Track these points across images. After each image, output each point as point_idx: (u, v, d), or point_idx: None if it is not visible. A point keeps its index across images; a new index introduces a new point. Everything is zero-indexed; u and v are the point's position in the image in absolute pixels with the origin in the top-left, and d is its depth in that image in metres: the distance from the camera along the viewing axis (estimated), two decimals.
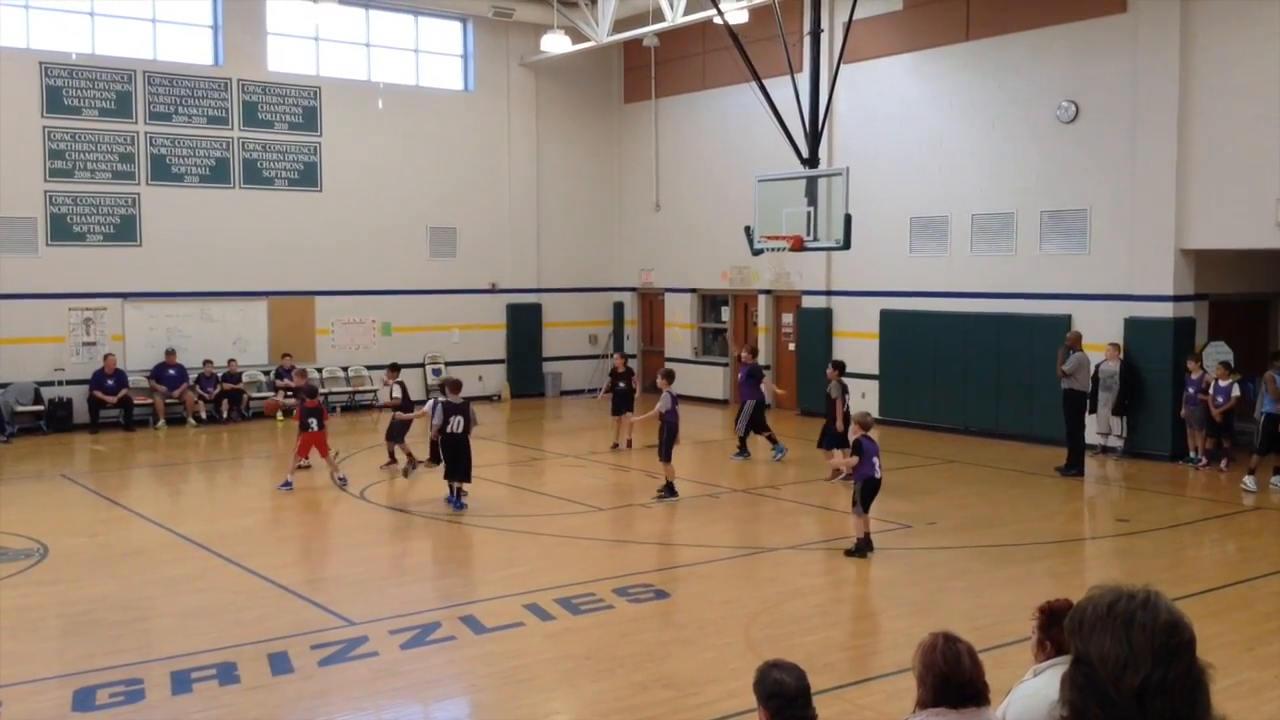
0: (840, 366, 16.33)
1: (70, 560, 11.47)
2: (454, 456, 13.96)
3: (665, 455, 14.48)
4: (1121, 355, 17.03)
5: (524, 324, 25.89)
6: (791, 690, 4.04)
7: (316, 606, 9.75)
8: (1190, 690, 2.10)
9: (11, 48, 20.30)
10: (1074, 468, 16.05)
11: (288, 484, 15.15)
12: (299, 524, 14.07)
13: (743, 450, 17.29)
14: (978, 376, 19.30)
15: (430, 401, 15.08)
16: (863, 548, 11.47)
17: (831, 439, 15.64)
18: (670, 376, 14.90)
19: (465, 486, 14.05)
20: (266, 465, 18.40)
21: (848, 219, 14.88)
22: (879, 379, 21.13)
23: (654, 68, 25.61)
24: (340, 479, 15.44)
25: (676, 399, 14.73)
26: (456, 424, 13.88)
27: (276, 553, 11.99)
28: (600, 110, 27.05)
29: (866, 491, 11.46)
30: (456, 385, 14.45)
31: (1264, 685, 7.92)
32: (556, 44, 23.35)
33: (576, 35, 23.62)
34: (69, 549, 11.89)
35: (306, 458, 15.55)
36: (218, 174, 22.24)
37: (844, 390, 15.86)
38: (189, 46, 22.11)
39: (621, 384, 18.58)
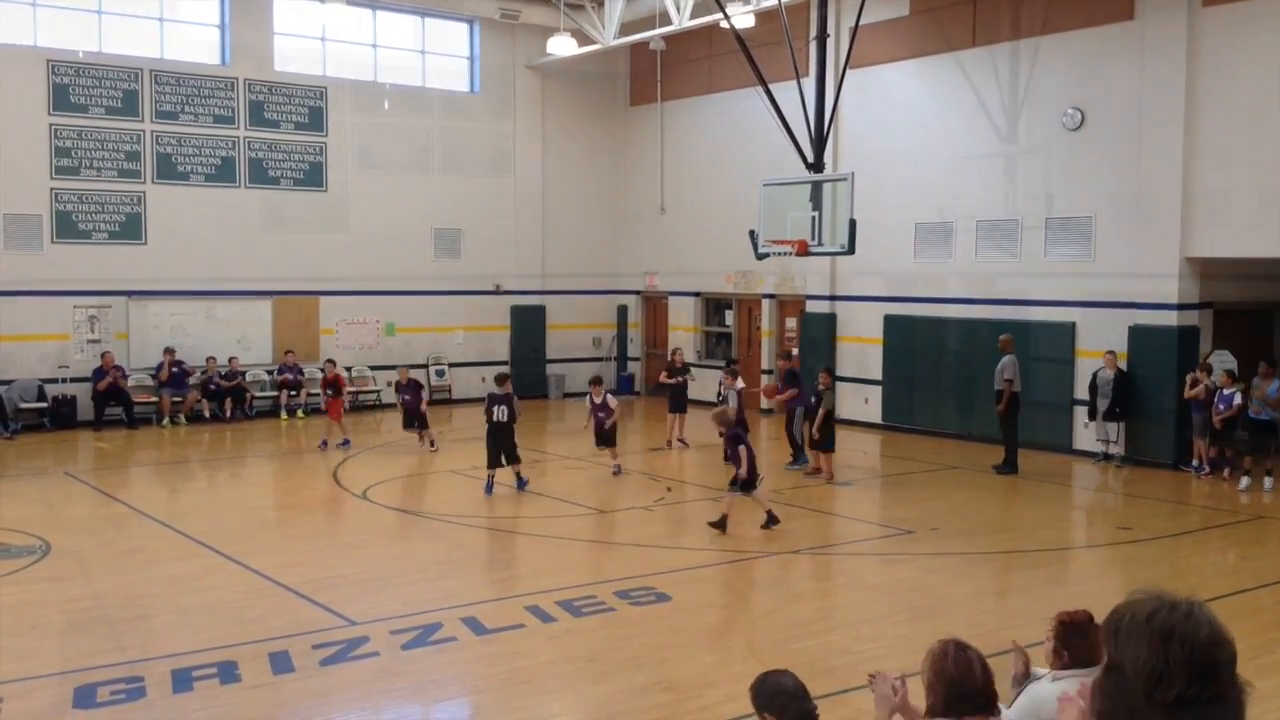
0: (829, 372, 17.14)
1: (72, 557, 11.47)
2: (496, 442, 14.92)
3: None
4: (1119, 363, 17.00)
5: (528, 326, 25.90)
6: (791, 686, 4.07)
7: (318, 606, 9.74)
8: (1224, 710, 2.02)
9: (19, 45, 20.35)
10: (1010, 465, 16.61)
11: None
12: (301, 523, 14.08)
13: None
14: (982, 383, 19.26)
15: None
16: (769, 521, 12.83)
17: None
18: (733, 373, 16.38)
19: (519, 469, 15.09)
20: (269, 464, 18.43)
21: (852, 224, 14.91)
22: (882, 384, 21.11)
23: (660, 71, 25.61)
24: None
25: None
26: (500, 413, 14.90)
27: (278, 552, 11.99)
28: (606, 113, 27.05)
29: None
30: (502, 378, 15.70)
31: (1268, 694, 7.89)
32: (562, 46, 23.35)
33: (583, 38, 23.63)
34: (71, 546, 11.90)
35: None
36: (223, 173, 22.27)
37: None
38: (196, 46, 22.14)
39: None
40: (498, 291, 25.58)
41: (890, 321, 20.93)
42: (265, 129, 22.60)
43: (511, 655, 8.57)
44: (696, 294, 25.58)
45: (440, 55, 24.95)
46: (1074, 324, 18.05)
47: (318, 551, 12.24)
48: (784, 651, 8.35)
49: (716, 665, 8.36)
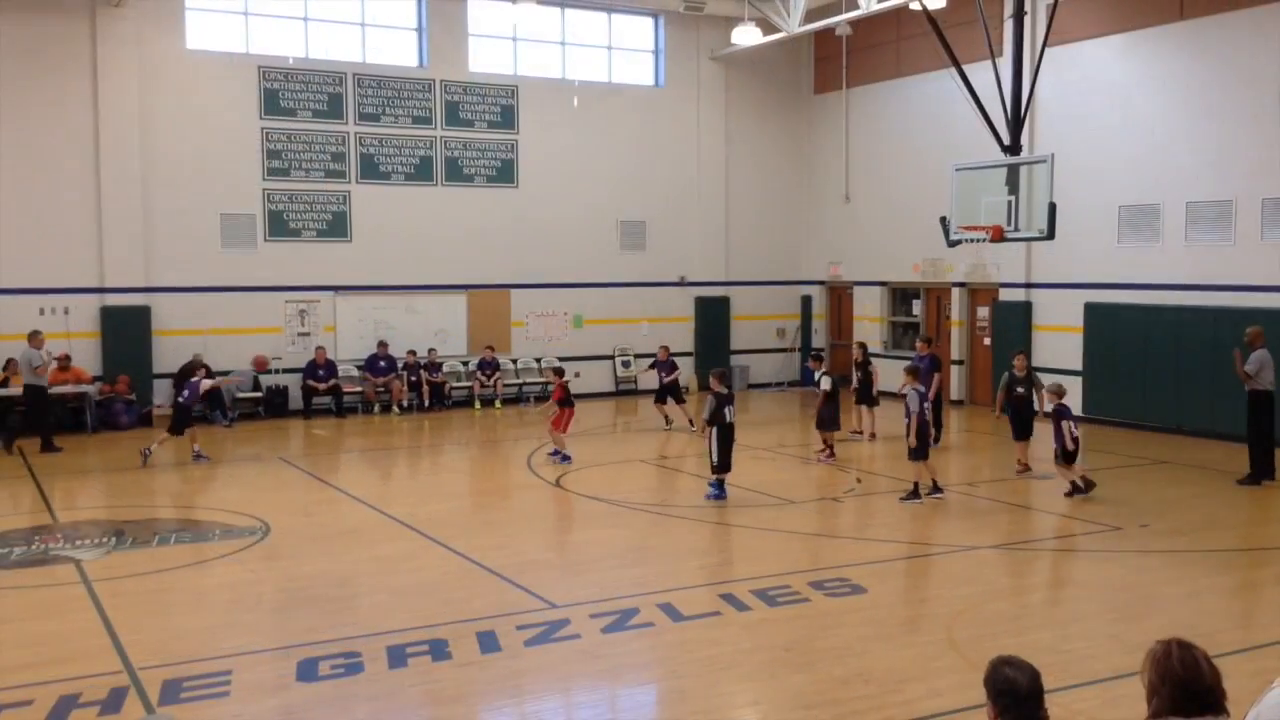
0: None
1: (290, 538, 12.14)
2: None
3: (915, 455, 13.74)
4: None
5: (712, 317, 25.98)
6: (1023, 690, 3.90)
7: (520, 588, 10.03)
8: None
9: (232, 53, 21.59)
10: (1255, 477, 14.53)
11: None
12: (501, 509, 14.52)
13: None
14: (1191, 373, 18.31)
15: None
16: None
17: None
18: (914, 372, 14.12)
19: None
20: (467, 452, 19.06)
21: (1052, 208, 14.38)
22: (1082, 375, 20.27)
23: (845, 57, 25.25)
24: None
25: (923, 395, 13.93)
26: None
27: (480, 535, 12.39)
28: (790, 101, 26.85)
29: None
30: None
31: None
32: (747, 36, 23.29)
33: (767, 26, 23.50)
34: (288, 528, 12.59)
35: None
36: (421, 172, 23.13)
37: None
38: (396, 49, 23.06)
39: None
40: (682, 283, 25.73)
41: (1091, 309, 20.08)
42: (460, 128, 23.35)
43: (708, 642, 8.63)
44: (882, 284, 25.14)
45: (626, 50, 25.22)
46: None
47: (517, 536, 12.58)
48: (987, 648, 8.12)
49: (917, 659, 8.22)
